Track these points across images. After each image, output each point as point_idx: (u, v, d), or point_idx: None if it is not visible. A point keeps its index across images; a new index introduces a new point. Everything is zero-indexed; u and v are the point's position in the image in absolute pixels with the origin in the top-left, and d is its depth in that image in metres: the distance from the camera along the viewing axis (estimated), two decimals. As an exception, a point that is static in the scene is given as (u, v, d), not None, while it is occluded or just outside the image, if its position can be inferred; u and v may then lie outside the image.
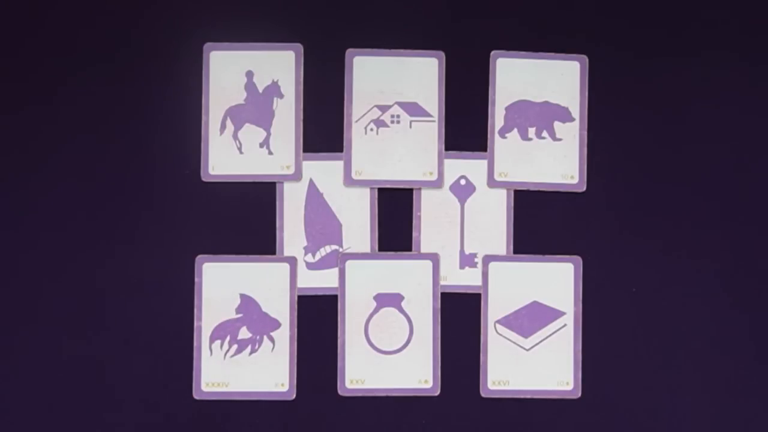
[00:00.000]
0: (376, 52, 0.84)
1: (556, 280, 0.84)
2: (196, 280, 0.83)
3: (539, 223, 0.85)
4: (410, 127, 0.85)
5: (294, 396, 0.83)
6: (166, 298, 0.83)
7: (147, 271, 0.83)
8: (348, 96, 0.84)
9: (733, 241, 0.84)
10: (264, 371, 0.83)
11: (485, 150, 0.85)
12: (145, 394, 0.82)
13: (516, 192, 0.85)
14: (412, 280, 0.84)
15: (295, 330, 0.83)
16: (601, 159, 0.85)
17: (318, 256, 0.84)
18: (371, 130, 0.85)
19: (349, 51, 0.84)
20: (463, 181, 0.85)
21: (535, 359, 0.84)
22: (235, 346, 0.83)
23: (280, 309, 0.83)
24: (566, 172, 0.85)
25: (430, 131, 0.85)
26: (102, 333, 0.82)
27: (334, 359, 0.83)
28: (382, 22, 0.85)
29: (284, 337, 0.83)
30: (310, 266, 0.84)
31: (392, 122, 0.85)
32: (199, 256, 0.83)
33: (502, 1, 0.85)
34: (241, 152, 0.84)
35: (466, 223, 0.85)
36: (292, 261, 0.84)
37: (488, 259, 0.84)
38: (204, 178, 0.84)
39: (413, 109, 0.85)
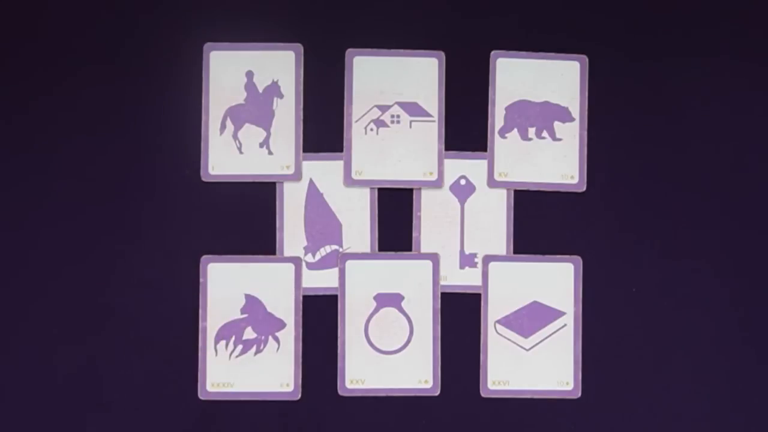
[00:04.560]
0: (376, 52, 0.84)
1: (556, 280, 0.84)
2: (201, 280, 0.83)
3: (539, 223, 0.85)
4: (410, 127, 0.85)
5: (299, 396, 0.83)
6: (170, 298, 0.83)
7: (147, 272, 0.83)
8: (348, 96, 0.84)
9: (732, 242, 0.84)
10: (269, 371, 0.83)
11: (485, 150, 0.85)
12: (151, 395, 0.82)
13: (516, 192, 0.85)
14: (412, 280, 0.84)
15: (300, 330, 0.83)
16: (601, 159, 0.85)
17: (318, 256, 0.84)
18: (371, 130, 0.84)
19: (349, 51, 0.84)
20: (463, 181, 0.85)
21: (535, 359, 0.84)
22: (240, 347, 0.83)
23: (285, 309, 0.83)
24: (566, 172, 0.85)
25: (430, 131, 0.85)
26: (107, 334, 0.82)
27: (334, 359, 0.83)
28: (382, 22, 0.85)
29: (289, 337, 0.83)
30: (310, 266, 0.84)
31: (392, 122, 0.85)
32: (204, 257, 0.83)
33: (502, 1, 0.85)
34: (241, 152, 0.84)
35: (466, 223, 0.85)
36: (297, 261, 0.84)
37: (488, 259, 0.84)
38: (204, 178, 0.84)
39: (413, 109, 0.85)
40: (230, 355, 0.83)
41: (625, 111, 0.85)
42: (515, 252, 0.85)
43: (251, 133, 0.84)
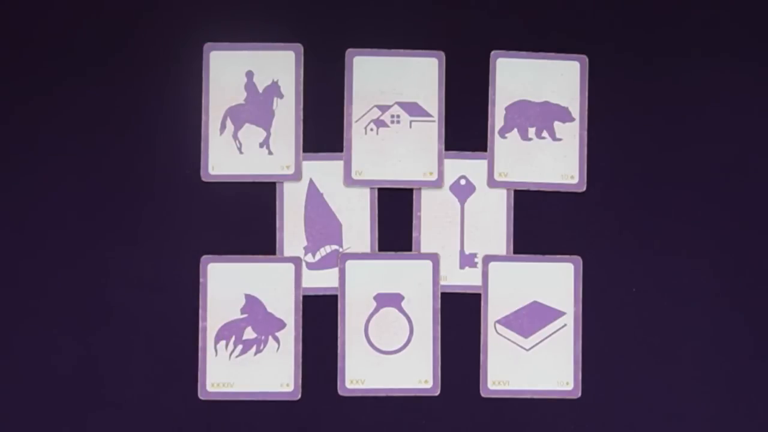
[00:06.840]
0: (376, 52, 0.84)
1: (556, 280, 0.84)
2: (201, 280, 0.83)
3: (539, 223, 0.85)
4: (410, 127, 0.85)
5: (299, 396, 0.83)
6: (170, 298, 0.83)
7: (147, 272, 0.83)
8: (348, 96, 0.84)
9: (732, 242, 0.84)
10: (269, 371, 0.83)
11: (485, 150, 0.85)
12: (151, 395, 0.82)
13: (516, 192, 0.85)
14: (412, 280, 0.84)
15: (300, 330, 0.83)
16: (601, 159, 0.85)
17: (318, 256, 0.84)
18: (371, 130, 0.85)
19: (349, 51, 0.84)
20: (463, 181, 0.85)
21: (535, 359, 0.84)
22: (240, 347, 0.83)
23: (285, 309, 0.83)
24: (566, 172, 0.85)
25: (430, 131, 0.85)
26: (107, 334, 0.82)
27: (334, 359, 0.83)
28: (382, 22, 0.85)
29: (289, 337, 0.83)
30: (310, 266, 0.84)
31: (392, 122, 0.85)
32: (204, 257, 0.83)
33: (502, 1, 0.85)
34: (241, 152, 0.84)
35: (466, 223, 0.85)
36: (297, 261, 0.84)
37: (488, 259, 0.84)
38: (204, 178, 0.84)
39: (413, 109, 0.85)
40: (230, 355, 0.83)
41: (625, 111, 0.85)
42: (515, 252, 0.85)
43: (251, 133, 0.84)
